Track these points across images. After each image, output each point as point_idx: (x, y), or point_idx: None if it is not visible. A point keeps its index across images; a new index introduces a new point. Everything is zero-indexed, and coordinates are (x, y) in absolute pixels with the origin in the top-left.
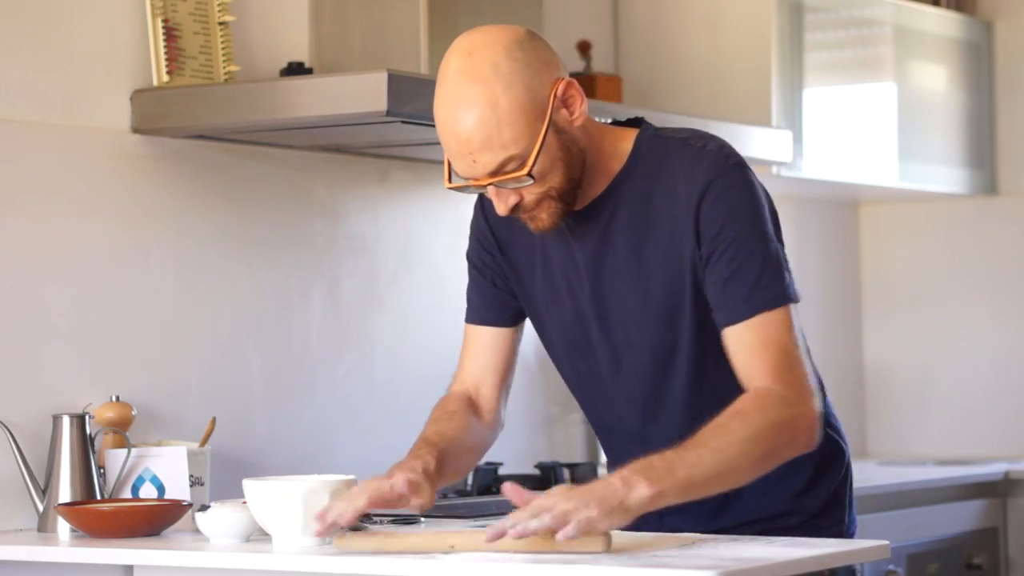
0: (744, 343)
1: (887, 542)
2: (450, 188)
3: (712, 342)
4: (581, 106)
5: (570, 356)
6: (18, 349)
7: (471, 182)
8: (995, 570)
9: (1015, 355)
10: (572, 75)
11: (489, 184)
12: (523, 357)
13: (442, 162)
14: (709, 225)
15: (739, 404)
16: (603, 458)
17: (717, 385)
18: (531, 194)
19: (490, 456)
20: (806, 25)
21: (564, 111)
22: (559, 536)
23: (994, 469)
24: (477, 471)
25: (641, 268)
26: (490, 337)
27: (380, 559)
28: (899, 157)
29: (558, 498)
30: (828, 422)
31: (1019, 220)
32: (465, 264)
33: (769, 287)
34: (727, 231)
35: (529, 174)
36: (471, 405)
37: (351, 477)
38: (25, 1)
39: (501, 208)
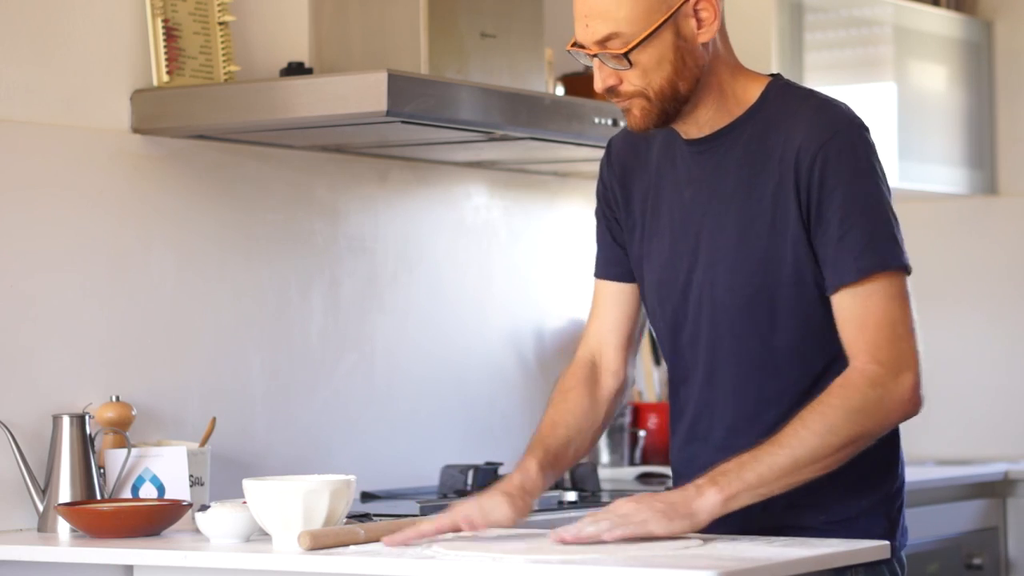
0: (850, 313)
1: (887, 542)
2: (568, 50)
3: (797, 294)
4: (712, 25)
5: (661, 296)
6: (18, 349)
7: (581, 48)
8: (995, 570)
9: (1015, 355)
10: (572, 75)
11: (594, 55)
12: (523, 357)
13: (442, 162)
14: (825, 179)
15: (826, 392)
16: (603, 459)
17: (794, 340)
18: (630, 84)
19: (490, 456)
20: (806, 25)
21: (692, 21)
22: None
23: (994, 469)
24: (477, 471)
25: (745, 207)
26: (612, 293)
27: (380, 559)
28: (899, 157)
29: (627, 504)
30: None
31: (1019, 220)
32: (465, 264)
33: (880, 251)
34: (843, 188)
35: (626, 55)
36: (591, 375)
37: (351, 477)
38: (25, 1)
39: (598, 83)
